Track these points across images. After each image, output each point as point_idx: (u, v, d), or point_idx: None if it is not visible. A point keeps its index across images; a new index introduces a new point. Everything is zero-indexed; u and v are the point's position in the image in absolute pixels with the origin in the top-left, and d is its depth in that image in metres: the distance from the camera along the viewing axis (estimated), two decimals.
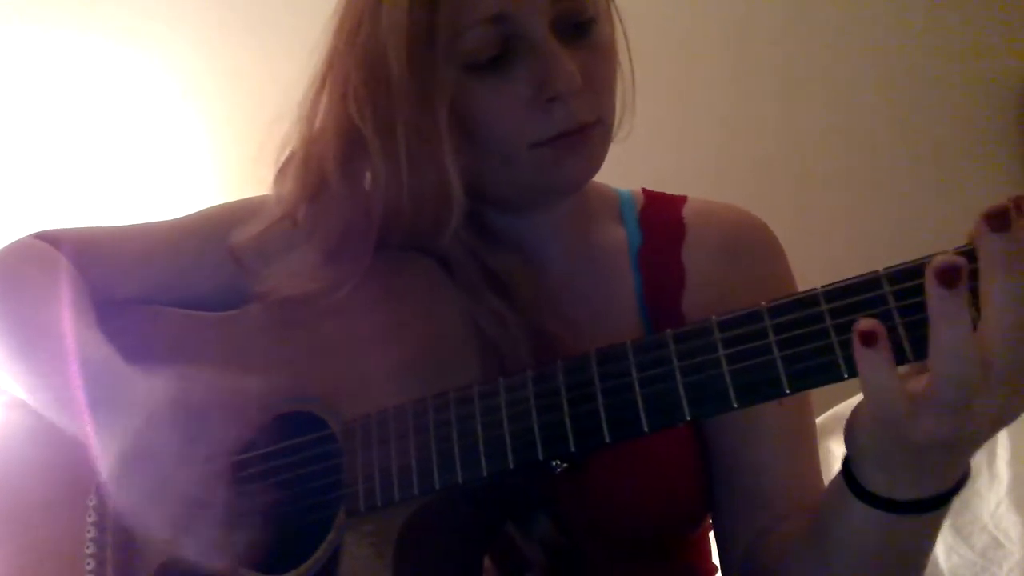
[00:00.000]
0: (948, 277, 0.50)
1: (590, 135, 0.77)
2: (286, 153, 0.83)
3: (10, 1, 2.00)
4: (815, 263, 0.92)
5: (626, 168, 0.82)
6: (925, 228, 1.71)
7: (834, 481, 0.65)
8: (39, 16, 2.01)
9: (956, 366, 0.52)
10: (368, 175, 0.79)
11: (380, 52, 0.74)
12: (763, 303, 0.60)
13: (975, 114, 2.28)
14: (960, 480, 0.61)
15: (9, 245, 0.92)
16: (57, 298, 0.84)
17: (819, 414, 1.57)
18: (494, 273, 0.81)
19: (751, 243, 0.87)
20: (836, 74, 2.24)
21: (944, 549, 1.55)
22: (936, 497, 0.61)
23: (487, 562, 0.84)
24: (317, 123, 0.81)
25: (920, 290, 0.54)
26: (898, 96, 2.25)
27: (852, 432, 0.61)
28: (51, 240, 0.92)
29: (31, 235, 0.93)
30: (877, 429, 0.57)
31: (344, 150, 0.78)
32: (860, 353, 0.53)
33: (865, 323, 0.53)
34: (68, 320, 0.82)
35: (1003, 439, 1.66)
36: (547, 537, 0.73)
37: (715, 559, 0.91)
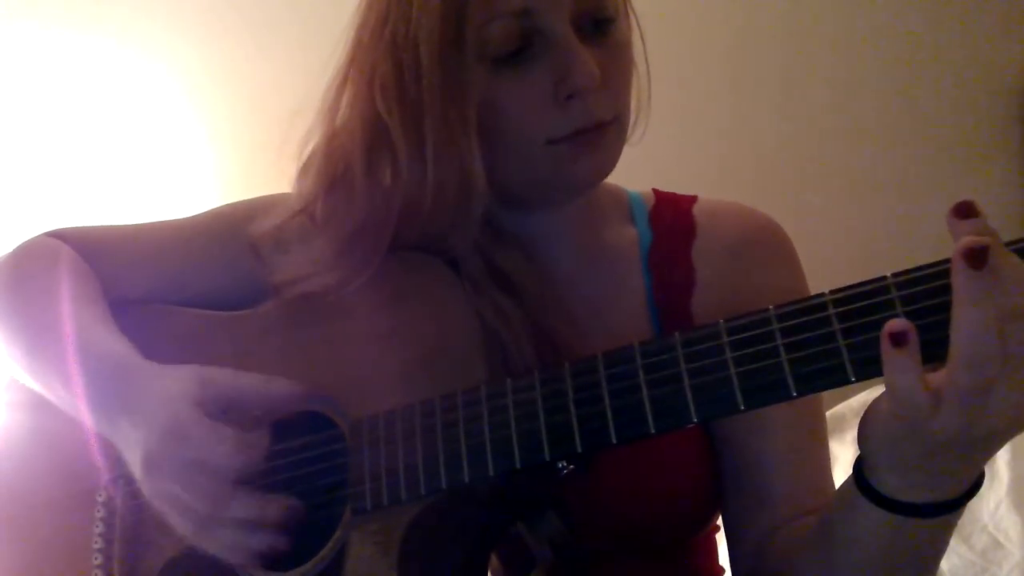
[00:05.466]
0: (975, 257, 0.51)
1: (606, 133, 0.77)
2: (309, 148, 0.82)
3: (10, 1, 2.00)
4: (815, 263, 0.92)
5: (627, 167, 0.82)
6: (925, 228, 1.70)
7: (845, 482, 0.65)
8: (39, 16, 2.01)
9: (977, 346, 0.52)
10: (388, 171, 0.79)
11: (410, 46, 0.74)
12: (771, 307, 0.60)
13: (975, 114, 2.28)
14: (973, 484, 0.61)
15: (21, 244, 0.92)
16: (66, 297, 0.83)
17: None
18: (501, 271, 0.81)
19: (762, 244, 0.86)
20: (836, 74, 2.24)
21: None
22: (947, 502, 0.61)
23: (495, 562, 0.84)
24: (339, 117, 0.80)
25: (927, 295, 0.55)
26: (898, 96, 2.25)
27: (868, 432, 0.60)
28: (62, 238, 0.92)
29: (43, 234, 0.93)
30: (897, 429, 0.57)
31: (368, 143, 0.78)
32: (889, 355, 0.54)
33: (896, 323, 0.53)
34: (77, 318, 0.81)
35: None
36: (557, 536, 0.73)
37: (723, 559, 0.92)
